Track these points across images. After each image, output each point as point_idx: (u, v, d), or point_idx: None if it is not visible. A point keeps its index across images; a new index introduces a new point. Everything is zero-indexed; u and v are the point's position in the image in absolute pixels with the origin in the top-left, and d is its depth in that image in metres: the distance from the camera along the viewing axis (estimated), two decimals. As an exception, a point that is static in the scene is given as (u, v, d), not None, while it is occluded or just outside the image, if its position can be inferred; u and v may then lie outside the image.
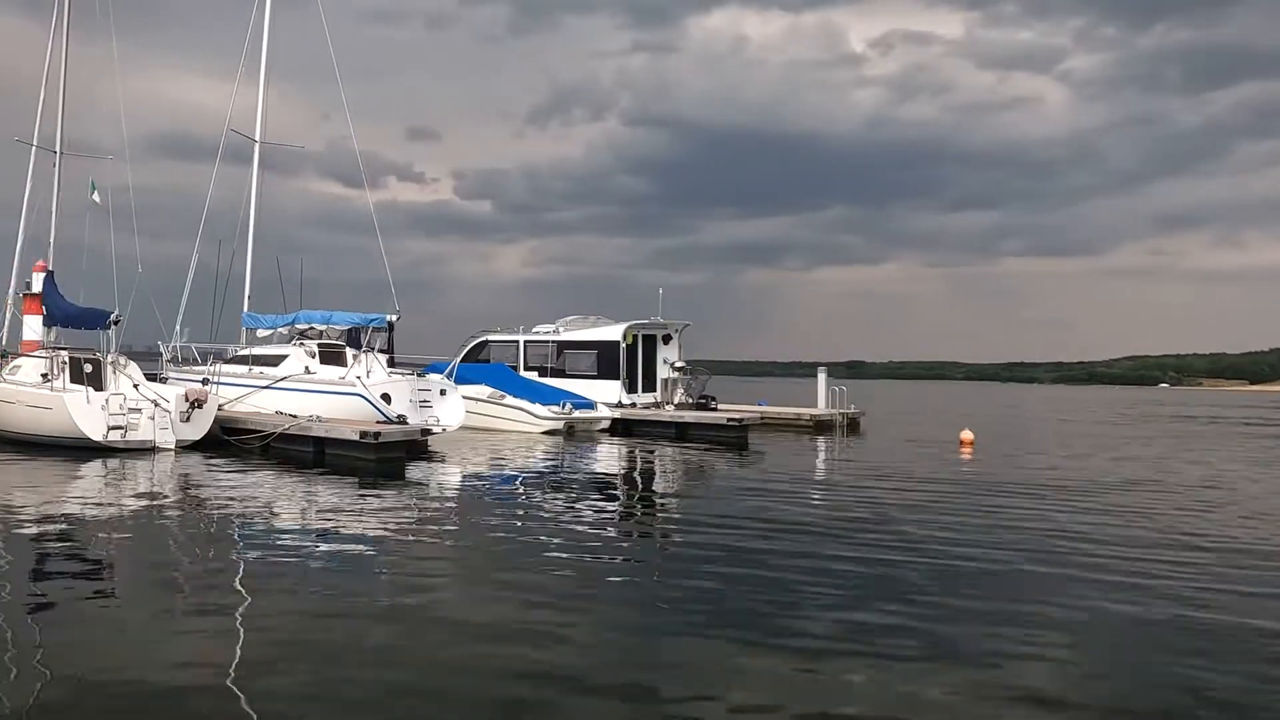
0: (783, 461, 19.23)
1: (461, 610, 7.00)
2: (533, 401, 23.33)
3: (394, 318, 20.99)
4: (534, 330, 28.66)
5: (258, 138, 22.32)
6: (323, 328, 21.28)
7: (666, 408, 25.74)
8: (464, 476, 15.50)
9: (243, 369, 20.92)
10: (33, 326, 56.46)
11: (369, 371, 19.42)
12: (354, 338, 33.39)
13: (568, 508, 12.23)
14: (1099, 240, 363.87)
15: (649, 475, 16.72)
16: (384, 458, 15.96)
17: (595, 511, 12.15)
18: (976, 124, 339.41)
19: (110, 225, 22.11)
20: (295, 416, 17.77)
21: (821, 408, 30.09)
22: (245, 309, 22.60)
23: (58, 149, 22.96)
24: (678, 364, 27.29)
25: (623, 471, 17.29)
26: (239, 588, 7.50)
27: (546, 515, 11.51)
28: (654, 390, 27.72)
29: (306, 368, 20.12)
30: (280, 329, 21.72)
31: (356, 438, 16.13)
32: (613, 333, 26.81)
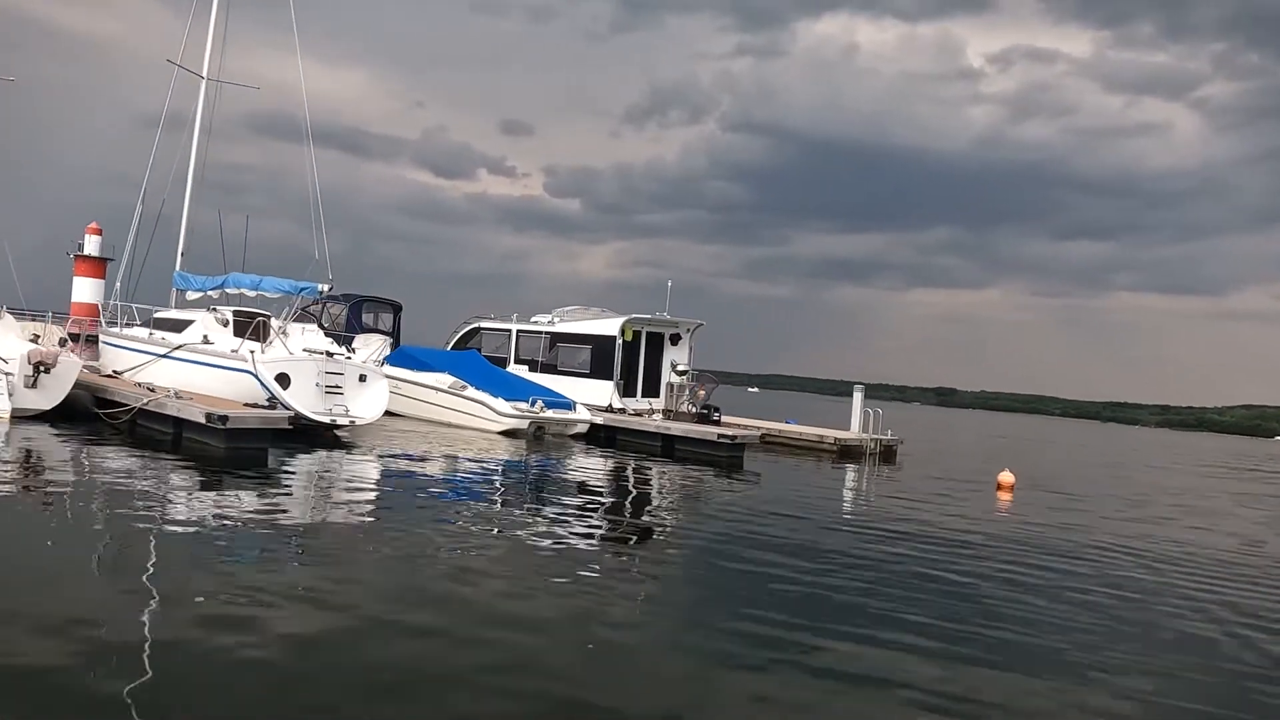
0: (774, 492, 15.65)
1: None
2: (495, 395, 20.24)
3: (325, 287, 18.19)
4: (532, 320, 25.66)
5: (204, 74, 19.81)
6: (253, 293, 18.60)
7: (654, 417, 22.33)
8: (331, 483, 12.45)
9: (154, 334, 18.40)
10: (83, 288, 55.55)
11: (266, 347, 16.54)
12: (354, 315, 31.21)
13: (404, 546, 9.06)
14: (1221, 280, 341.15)
15: (567, 502, 13.29)
16: (235, 447, 13.04)
17: (425, 558, 8.94)
18: (1098, 149, 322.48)
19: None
20: (152, 390, 15.06)
21: (854, 431, 26.25)
22: (178, 267, 20.11)
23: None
24: (680, 367, 23.84)
25: (541, 492, 13.97)
26: None
27: (387, 553, 8.42)
28: (656, 395, 24.38)
29: (205, 336, 17.45)
30: (210, 292, 19.16)
31: (204, 420, 13.26)
32: (609, 326, 23.57)
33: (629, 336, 23.70)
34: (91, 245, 59.84)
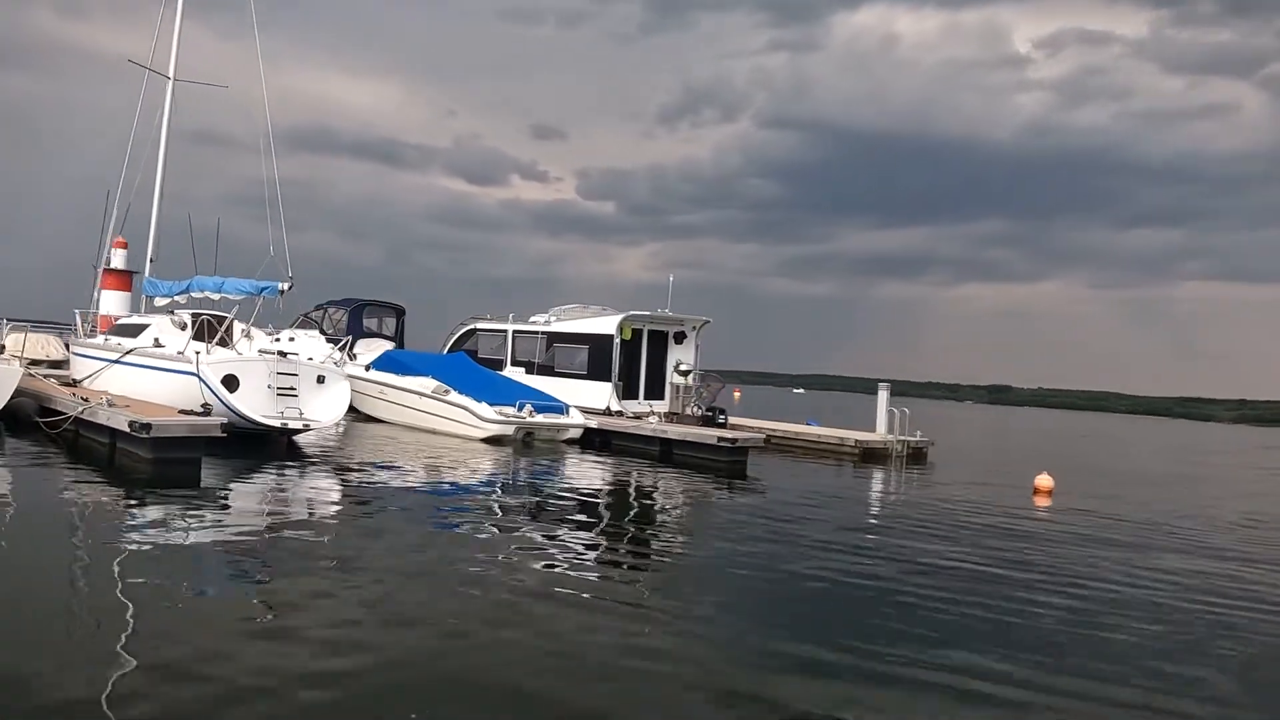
0: (775, 503, 13.92)
1: None
2: (479, 400, 18.88)
3: (285, 286, 17.01)
4: (530, 320, 24.33)
5: (171, 75, 18.79)
6: (217, 296, 17.50)
7: (651, 419, 20.80)
8: (267, 500, 11.15)
9: (116, 340, 17.43)
10: (110, 301, 56.15)
11: (212, 347, 15.37)
12: (355, 320, 30.19)
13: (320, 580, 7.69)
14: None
15: (534, 522, 11.75)
16: (163, 459, 11.79)
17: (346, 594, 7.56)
18: (1158, 133, 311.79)
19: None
20: (87, 400, 13.94)
21: (880, 432, 24.44)
22: (146, 273, 19.12)
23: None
24: (683, 367, 22.29)
25: (508, 510, 12.54)
26: None
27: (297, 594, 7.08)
28: (660, 397, 22.88)
29: (156, 340, 16.38)
30: (176, 296, 18.12)
31: (128, 429, 12.07)
32: (606, 324, 22.12)
33: (628, 335, 22.23)
34: (118, 259, 60.56)
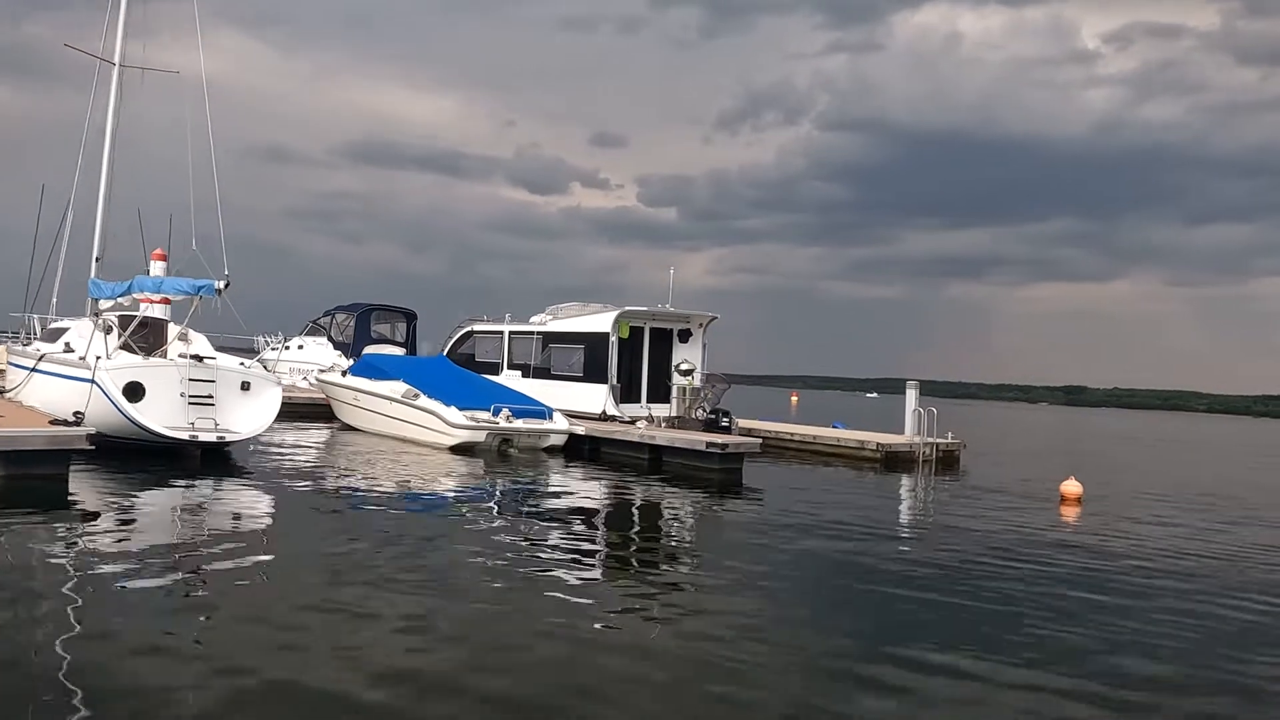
0: (766, 520, 12.30)
1: None
2: (448, 404, 17.48)
3: (222, 284, 15.81)
4: (530, 320, 22.94)
5: (117, 60, 17.80)
6: (157, 296, 16.41)
7: (639, 424, 19.14)
8: (138, 528, 9.88)
9: (44, 347, 16.41)
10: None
11: (109, 351, 14.13)
12: (363, 326, 29.20)
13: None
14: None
15: (451, 560, 10.16)
16: (15, 475, 10.52)
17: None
18: (1232, 126, 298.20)
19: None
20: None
21: (907, 435, 22.41)
22: (92, 274, 18.12)
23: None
24: (684, 366, 20.62)
25: (436, 541, 11.07)
26: None
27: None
28: (665, 400, 21.24)
29: (67, 345, 15.30)
30: (119, 299, 17.09)
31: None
32: (602, 322, 20.58)
33: (625, 333, 20.66)
34: (157, 271, 60.94)
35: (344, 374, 20.04)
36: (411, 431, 17.90)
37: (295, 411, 23.19)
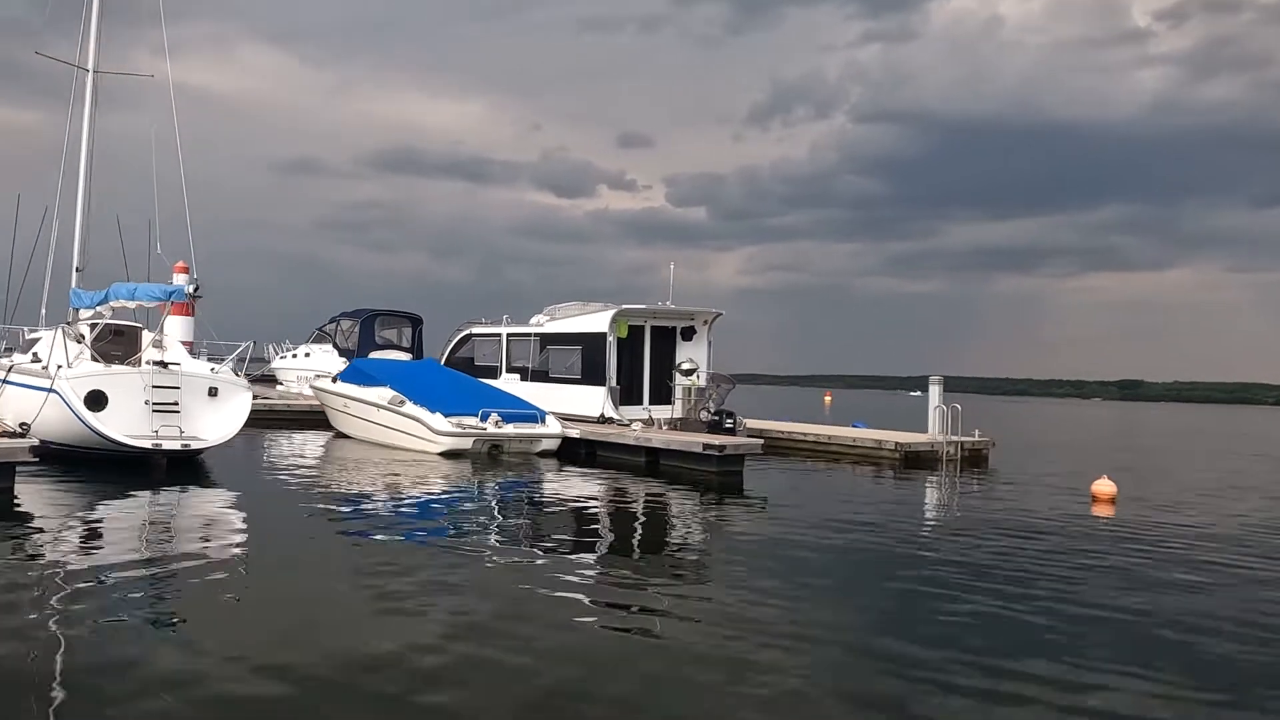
0: (758, 527, 11.38)
1: None
2: (433, 410, 16.73)
3: (192, 288, 15.28)
4: (531, 321, 22.17)
5: (91, 66, 17.35)
6: (133, 304, 15.91)
7: (633, 426, 18.19)
8: (72, 542, 9.22)
9: (19, 359, 16.01)
10: (174, 327, 56.56)
11: (69, 360, 13.59)
12: (367, 331, 28.65)
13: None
14: None
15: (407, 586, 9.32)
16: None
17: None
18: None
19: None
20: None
21: (930, 433, 21.19)
22: (74, 283, 17.65)
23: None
24: (685, 365, 19.66)
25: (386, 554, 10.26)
26: None
27: None
28: (669, 402, 20.29)
29: (35, 355, 14.85)
30: (98, 307, 16.62)
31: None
32: (598, 321, 19.71)
33: (624, 332, 19.78)
34: (180, 283, 61.05)
35: (334, 380, 19.42)
36: (399, 439, 17.20)
37: (297, 420, 22.71)
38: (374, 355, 26.53)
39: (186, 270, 57.34)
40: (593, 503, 12.65)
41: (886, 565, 8.89)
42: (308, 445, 17.93)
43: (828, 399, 73.30)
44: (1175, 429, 49.90)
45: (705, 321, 20.88)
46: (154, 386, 13.27)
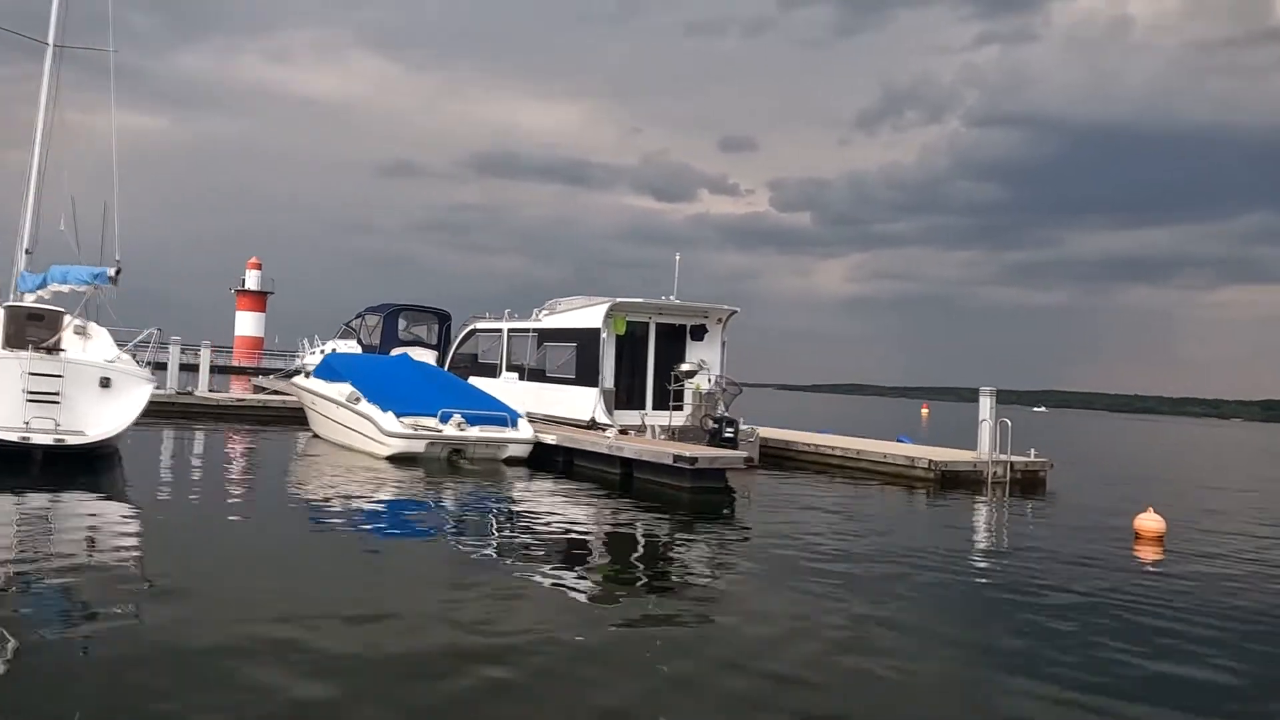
0: (705, 556, 9.36)
1: None
2: (385, 409, 15.15)
3: (114, 271, 14.08)
4: (534, 315, 20.48)
5: (50, 40, 16.45)
6: (66, 289, 14.89)
7: (610, 432, 16.12)
8: None
9: None
10: (245, 322, 57.51)
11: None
12: (390, 327, 27.51)
13: None
14: None
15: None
16: None
17: None
18: None
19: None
20: None
21: (980, 451, 18.45)
22: (22, 266, 16.77)
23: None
24: (685, 367, 17.54)
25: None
26: None
27: None
28: (674, 407, 18.23)
29: None
30: (39, 291, 15.70)
31: None
32: (592, 316, 17.82)
33: (621, 329, 17.82)
34: (252, 280, 62.13)
35: (307, 375, 18.16)
36: (355, 439, 15.75)
37: (297, 417, 21.64)
38: (395, 351, 25.39)
39: (259, 266, 57.29)
40: (521, 532, 10.75)
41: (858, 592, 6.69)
42: (241, 445, 16.67)
43: (924, 411, 69.38)
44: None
45: (719, 320, 18.72)
46: (31, 374, 12.04)
